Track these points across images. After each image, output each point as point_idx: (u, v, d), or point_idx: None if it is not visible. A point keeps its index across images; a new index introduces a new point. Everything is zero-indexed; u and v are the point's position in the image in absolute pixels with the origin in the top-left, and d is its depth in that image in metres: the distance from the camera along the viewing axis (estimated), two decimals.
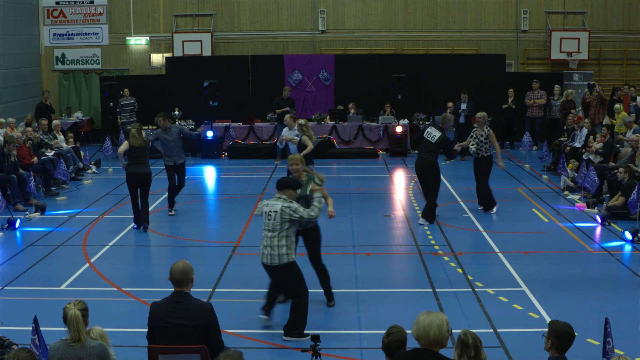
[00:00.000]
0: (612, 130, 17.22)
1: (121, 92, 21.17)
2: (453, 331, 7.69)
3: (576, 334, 5.32)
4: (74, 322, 5.10)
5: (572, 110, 19.36)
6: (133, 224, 12.46)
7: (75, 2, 23.91)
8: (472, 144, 13.23)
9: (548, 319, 8.19)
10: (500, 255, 10.77)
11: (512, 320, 8.32)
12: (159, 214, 13.56)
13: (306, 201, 8.20)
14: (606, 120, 18.46)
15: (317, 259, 8.70)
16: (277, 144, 14.65)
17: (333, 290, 8.98)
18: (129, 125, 19.67)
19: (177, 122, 20.28)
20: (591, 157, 15.42)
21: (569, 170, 15.37)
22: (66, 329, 5.21)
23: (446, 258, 10.68)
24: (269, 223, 7.62)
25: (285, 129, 13.80)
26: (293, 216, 7.55)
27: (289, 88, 20.23)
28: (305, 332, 7.62)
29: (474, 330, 5.05)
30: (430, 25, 23.74)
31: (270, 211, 7.63)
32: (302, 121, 13.11)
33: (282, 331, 7.78)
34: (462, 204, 14.14)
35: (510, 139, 21.42)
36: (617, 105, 18.19)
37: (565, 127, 18.53)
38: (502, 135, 20.82)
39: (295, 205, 7.62)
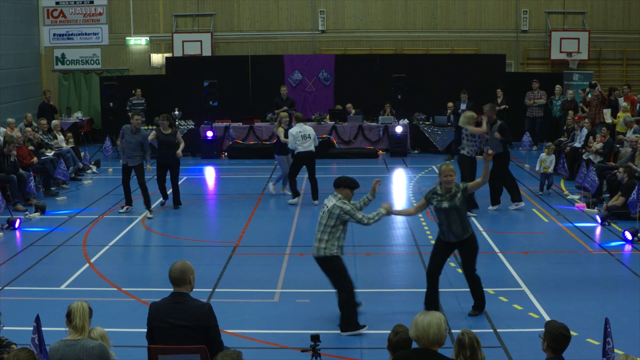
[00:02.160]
0: (612, 130, 17.21)
1: (133, 92, 21.25)
2: (453, 331, 7.74)
3: (575, 333, 5.34)
4: (80, 312, 5.12)
5: (570, 112, 19.30)
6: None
7: (75, 2, 23.91)
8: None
9: (548, 319, 8.19)
10: (500, 255, 10.76)
11: (512, 320, 8.32)
12: (157, 214, 13.57)
13: (458, 212, 8.13)
14: (607, 118, 18.42)
15: (469, 270, 8.42)
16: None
17: (334, 290, 8.98)
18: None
19: (176, 122, 20.34)
20: (591, 157, 15.41)
21: (544, 156, 15.24)
22: (66, 329, 5.21)
23: None
24: (320, 216, 7.96)
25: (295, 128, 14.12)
26: (343, 217, 7.84)
27: (285, 87, 20.21)
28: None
29: (474, 330, 5.06)
30: (430, 25, 23.74)
31: (324, 205, 7.99)
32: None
33: (339, 329, 7.97)
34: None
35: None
36: (624, 104, 18.17)
37: (565, 127, 18.54)
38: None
39: (348, 207, 7.85)
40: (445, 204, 8.16)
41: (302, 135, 13.98)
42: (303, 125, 14.12)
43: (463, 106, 19.72)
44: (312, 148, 14.10)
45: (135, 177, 13.39)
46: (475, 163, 13.04)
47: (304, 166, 14.16)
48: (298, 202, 14.36)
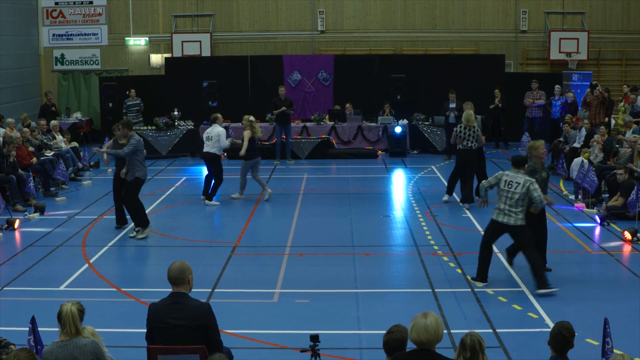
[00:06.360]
0: (609, 129, 17.21)
1: (127, 93, 21.23)
2: (453, 332, 7.75)
3: (576, 334, 5.34)
4: (69, 318, 5.14)
5: (568, 116, 19.29)
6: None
7: (74, 3, 23.90)
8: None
9: (547, 319, 8.21)
10: (500, 255, 10.74)
11: (511, 320, 8.32)
12: (157, 214, 13.57)
13: (545, 185, 9.76)
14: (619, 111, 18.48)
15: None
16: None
17: (334, 291, 9.02)
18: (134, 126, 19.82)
19: (176, 122, 20.31)
20: (591, 157, 15.39)
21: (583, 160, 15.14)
22: (59, 329, 5.22)
23: (445, 258, 10.68)
24: (509, 191, 9.04)
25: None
26: (532, 193, 8.97)
27: (284, 88, 20.18)
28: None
29: (473, 330, 5.06)
30: (430, 26, 23.74)
31: (511, 181, 9.07)
32: (251, 118, 14.71)
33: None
34: (461, 204, 14.13)
35: (497, 139, 21.36)
36: (621, 104, 18.20)
37: (562, 128, 18.54)
38: (489, 136, 20.92)
39: (536, 185, 9.04)
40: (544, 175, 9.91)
41: (206, 136, 14.35)
42: (216, 126, 14.41)
43: (452, 105, 19.63)
44: (213, 150, 14.23)
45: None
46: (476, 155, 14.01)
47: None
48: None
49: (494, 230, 9.39)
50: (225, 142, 14.46)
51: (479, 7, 23.61)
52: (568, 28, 23.40)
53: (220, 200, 14.60)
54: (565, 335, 5.21)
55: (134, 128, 13.26)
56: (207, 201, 14.39)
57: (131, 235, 12.06)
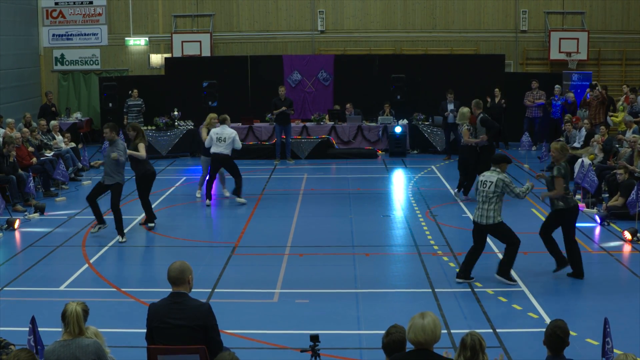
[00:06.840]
0: (608, 129, 17.22)
1: (130, 92, 21.21)
2: (453, 331, 7.75)
3: (574, 333, 5.35)
4: (74, 318, 5.15)
5: (568, 115, 19.31)
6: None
7: (74, 3, 23.90)
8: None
9: (547, 319, 8.21)
10: (500, 255, 10.72)
11: (511, 320, 8.32)
12: (157, 215, 13.55)
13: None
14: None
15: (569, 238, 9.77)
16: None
17: (334, 291, 9.02)
18: None
19: (176, 122, 20.30)
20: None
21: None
22: (62, 329, 5.22)
23: (445, 258, 10.68)
24: (483, 190, 9.23)
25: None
26: (504, 189, 9.17)
27: (283, 88, 20.17)
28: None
29: (473, 330, 5.06)
30: (430, 26, 23.75)
31: (485, 181, 9.25)
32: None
33: (496, 270, 9.49)
34: (461, 204, 14.15)
35: (497, 139, 21.25)
36: (619, 104, 18.20)
37: (563, 129, 18.55)
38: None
39: (508, 180, 9.25)
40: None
41: (217, 137, 14.10)
42: (226, 127, 14.25)
43: (450, 106, 19.59)
44: (226, 152, 14.09)
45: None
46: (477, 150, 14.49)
47: (222, 167, 14.38)
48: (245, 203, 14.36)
49: (476, 232, 9.53)
50: (239, 144, 14.35)
51: (479, 7, 23.61)
52: (568, 28, 23.41)
53: (219, 201, 14.59)
54: (559, 335, 5.21)
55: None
56: (237, 198, 14.33)
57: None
